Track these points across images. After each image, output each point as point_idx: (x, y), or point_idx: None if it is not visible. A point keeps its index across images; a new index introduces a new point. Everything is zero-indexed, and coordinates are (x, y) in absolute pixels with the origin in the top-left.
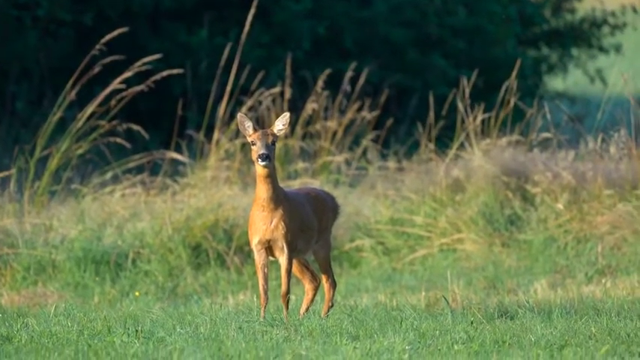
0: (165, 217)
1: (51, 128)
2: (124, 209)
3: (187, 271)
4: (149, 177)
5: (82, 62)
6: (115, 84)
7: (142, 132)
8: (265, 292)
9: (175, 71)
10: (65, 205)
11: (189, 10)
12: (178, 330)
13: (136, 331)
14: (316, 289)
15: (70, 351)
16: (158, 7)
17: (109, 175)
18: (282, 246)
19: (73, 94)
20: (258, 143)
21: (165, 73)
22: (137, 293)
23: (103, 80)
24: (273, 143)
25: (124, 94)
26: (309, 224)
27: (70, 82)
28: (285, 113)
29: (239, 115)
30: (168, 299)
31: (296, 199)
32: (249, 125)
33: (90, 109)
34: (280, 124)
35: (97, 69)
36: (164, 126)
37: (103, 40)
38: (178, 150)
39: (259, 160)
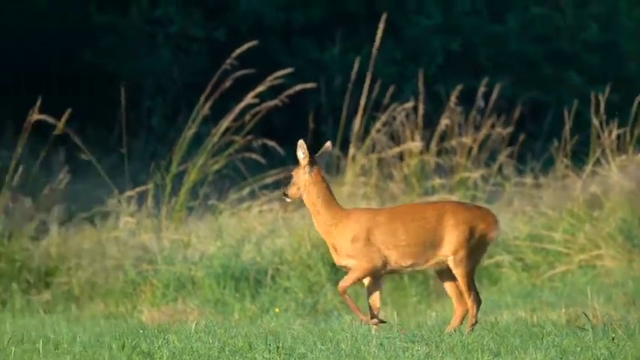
0: (303, 233)
1: (186, 143)
2: (262, 225)
3: (327, 287)
4: None
5: (214, 77)
6: (249, 98)
7: (277, 147)
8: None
9: (308, 86)
10: (203, 220)
11: (320, 26)
12: (319, 346)
13: (277, 347)
14: (464, 312)
15: None
16: (289, 22)
17: (246, 190)
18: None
19: (206, 109)
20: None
21: (298, 88)
22: (277, 309)
23: (236, 95)
24: (291, 177)
25: (257, 109)
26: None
27: (203, 96)
28: (299, 141)
29: (299, 142)
30: (309, 315)
31: None
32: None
33: (224, 124)
34: (300, 153)
35: (228, 83)
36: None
37: (234, 54)
38: None
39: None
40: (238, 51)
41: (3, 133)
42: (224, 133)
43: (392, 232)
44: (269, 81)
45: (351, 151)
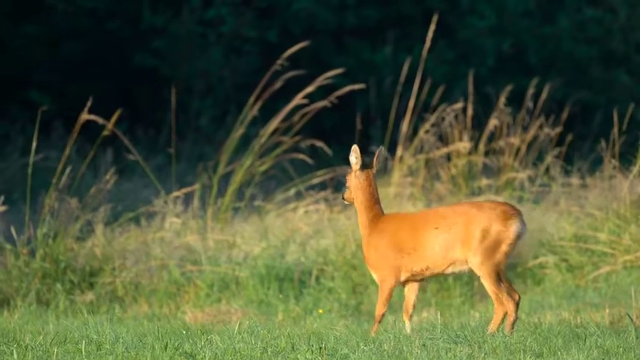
0: (348, 233)
1: (234, 144)
2: (307, 226)
3: (371, 288)
4: (332, 194)
5: (264, 78)
6: (298, 99)
7: (325, 148)
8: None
9: (357, 86)
10: (248, 221)
11: (373, 27)
12: (362, 347)
13: (320, 348)
14: (504, 311)
15: None
16: (342, 24)
17: (292, 191)
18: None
19: (255, 110)
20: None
21: (347, 89)
22: (321, 310)
23: (286, 96)
24: (346, 181)
25: (306, 109)
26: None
27: (253, 97)
28: (353, 146)
29: (353, 147)
30: (352, 316)
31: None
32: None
33: (273, 125)
34: (353, 157)
35: (278, 84)
36: (347, 142)
37: (285, 55)
38: None
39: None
40: (290, 51)
41: (52, 133)
42: (272, 134)
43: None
44: (319, 81)
45: (399, 151)
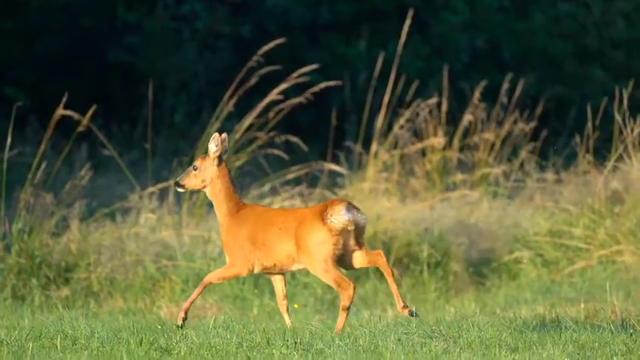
0: None
1: (208, 140)
2: None
3: None
4: (307, 188)
5: (240, 74)
6: (273, 95)
7: (301, 144)
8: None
9: (333, 83)
10: None
11: (347, 22)
12: (337, 342)
13: (295, 343)
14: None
15: None
16: (316, 19)
17: (267, 186)
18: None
19: (230, 106)
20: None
21: (322, 85)
22: (296, 305)
23: (261, 92)
24: (195, 169)
25: (282, 105)
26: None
27: (228, 93)
28: (214, 134)
29: (214, 136)
30: (327, 311)
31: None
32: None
33: (248, 120)
34: (212, 145)
35: (253, 80)
36: (322, 137)
37: (261, 52)
38: (336, 161)
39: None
40: (265, 48)
41: (27, 128)
42: (247, 130)
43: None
44: (294, 78)
45: (374, 147)
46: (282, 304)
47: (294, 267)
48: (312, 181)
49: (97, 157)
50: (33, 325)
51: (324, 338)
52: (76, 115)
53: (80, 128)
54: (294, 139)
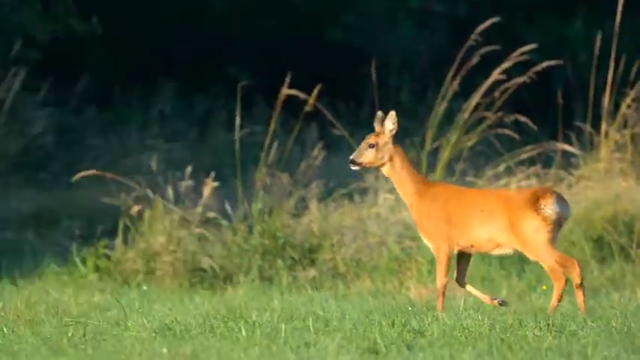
0: None
1: (438, 119)
2: None
3: (592, 264)
4: (542, 169)
5: (459, 53)
6: (495, 75)
7: (530, 123)
8: None
9: (554, 62)
10: None
11: (564, 1)
12: (590, 323)
13: (547, 324)
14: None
15: (484, 345)
16: None
17: (502, 167)
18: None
19: (455, 85)
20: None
21: (545, 64)
22: (544, 287)
23: (483, 71)
24: (371, 146)
25: (506, 85)
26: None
27: (450, 73)
28: (390, 112)
29: (378, 114)
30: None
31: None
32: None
33: (474, 100)
34: (390, 123)
35: (474, 60)
36: (549, 117)
37: (477, 30)
38: (567, 141)
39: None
40: (482, 27)
41: (253, 108)
42: (475, 109)
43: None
44: (514, 57)
45: (603, 127)
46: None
47: (495, 251)
48: (547, 161)
49: (328, 136)
50: (283, 306)
51: (576, 320)
52: (302, 95)
53: (307, 108)
54: (523, 118)
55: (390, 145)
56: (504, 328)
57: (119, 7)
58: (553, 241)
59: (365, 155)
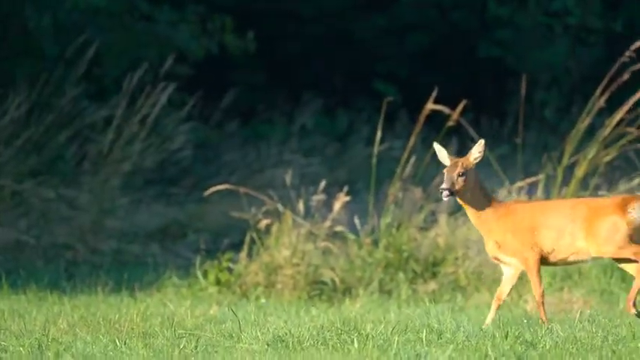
0: None
1: (579, 135)
2: None
3: None
4: None
5: (611, 69)
6: None
7: None
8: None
9: None
10: None
11: None
12: None
13: None
14: None
15: (594, 357)
16: None
17: (636, 181)
18: (509, 260)
19: (602, 101)
20: (445, 176)
21: None
22: None
23: (632, 87)
24: (462, 175)
25: None
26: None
27: (599, 89)
28: (480, 140)
29: (435, 145)
30: None
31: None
32: (442, 156)
33: (618, 116)
34: (476, 151)
35: (626, 76)
36: None
37: (633, 47)
38: None
39: (441, 194)
40: (638, 44)
41: (396, 123)
42: (617, 125)
43: None
44: None
45: None
46: (499, 299)
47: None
48: None
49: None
50: (399, 318)
51: None
52: (446, 110)
53: (450, 123)
54: None
55: (473, 172)
56: (617, 340)
57: (275, 23)
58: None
59: (456, 183)
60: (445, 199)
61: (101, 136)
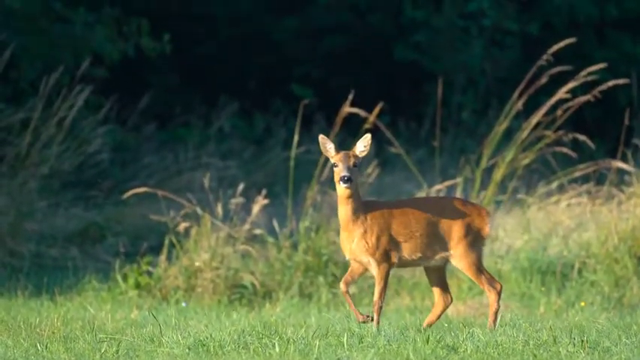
0: (611, 226)
1: (497, 138)
2: (570, 219)
3: (633, 281)
4: (595, 186)
5: (529, 72)
6: (561, 94)
7: (588, 142)
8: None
9: (622, 81)
10: (511, 214)
11: (635, 19)
12: (624, 340)
13: (582, 341)
14: (444, 306)
15: None
16: (604, 16)
17: (554, 184)
18: (368, 261)
19: (519, 105)
20: (340, 165)
21: (611, 83)
22: (583, 303)
23: (548, 90)
24: (355, 165)
25: (569, 104)
26: (416, 233)
27: (517, 92)
28: (366, 135)
29: (320, 137)
30: (614, 309)
31: (391, 211)
32: (330, 147)
33: (535, 119)
34: (362, 145)
35: (544, 79)
36: (610, 135)
37: (550, 51)
38: (624, 159)
39: (341, 182)
40: (555, 47)
41: (313, 126)
42: (535, 128)
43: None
44: (582, 77)
45: None
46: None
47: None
48: (600, 178)
49: (384, 154)
50: (320, 322)
51: (611, 336)
52: (362, 113)
53: (367, 125)
54: (581, 137)
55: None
56: (538, 344)
57: (191, 26)
58: None
59: (353, 173)
60: (345, 186)
61: (18, 139)
